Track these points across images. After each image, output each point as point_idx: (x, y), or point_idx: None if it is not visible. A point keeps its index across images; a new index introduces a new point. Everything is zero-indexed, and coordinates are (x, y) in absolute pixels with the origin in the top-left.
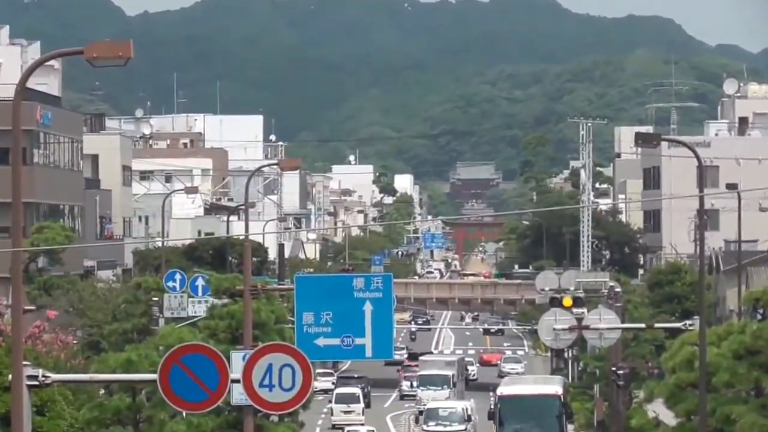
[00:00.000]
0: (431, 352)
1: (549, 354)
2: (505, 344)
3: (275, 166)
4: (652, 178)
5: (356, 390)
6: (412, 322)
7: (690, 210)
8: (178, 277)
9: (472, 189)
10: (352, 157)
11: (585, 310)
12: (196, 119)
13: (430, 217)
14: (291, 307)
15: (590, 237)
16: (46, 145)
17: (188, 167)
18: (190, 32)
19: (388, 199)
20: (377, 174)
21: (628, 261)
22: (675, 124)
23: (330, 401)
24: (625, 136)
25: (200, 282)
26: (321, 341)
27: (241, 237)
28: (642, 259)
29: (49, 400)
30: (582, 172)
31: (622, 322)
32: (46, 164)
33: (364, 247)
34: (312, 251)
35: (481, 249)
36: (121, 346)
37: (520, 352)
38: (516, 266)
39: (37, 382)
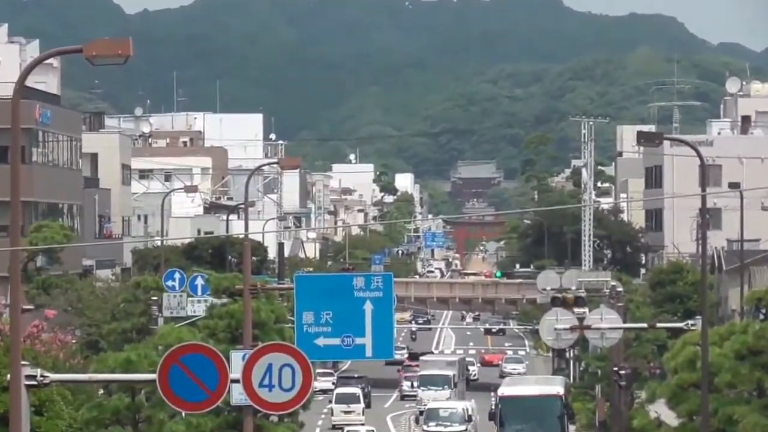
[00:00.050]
0: (432, 352)
1: (550, 354)
2: (506, 344)
3: (275, 165)
4: (654, 177)
5: (356, 390)
6: (413, 322)
7: (692, 209)
8: (177, 276)
9: (473, 188)
10: (352, 156)
11: (586, 309)
12: (195, 118)
13: (430, 216)
14: (291, 307)
15: (592, 236)
16: (45, 144)
17: (188, 166)
18: (190, 30)
19: (389, 198)
20: (378, 173)
21: (630, 260)
22: (677, 122)
23: (330, 401)
24: (627, 134)
25: (199, 281)
26: (321, 341)
27: (241, 236)
28: (644, 258)
29: (48, 400)
30: (583, 171)
31: (624, 321)
32: (45, 163)
33: (365, 247)
34: (312, 250)
35: (482, 248)
36: (120, 346)
37: (522, 352)
38: (517, 265)
39: (35, 382)
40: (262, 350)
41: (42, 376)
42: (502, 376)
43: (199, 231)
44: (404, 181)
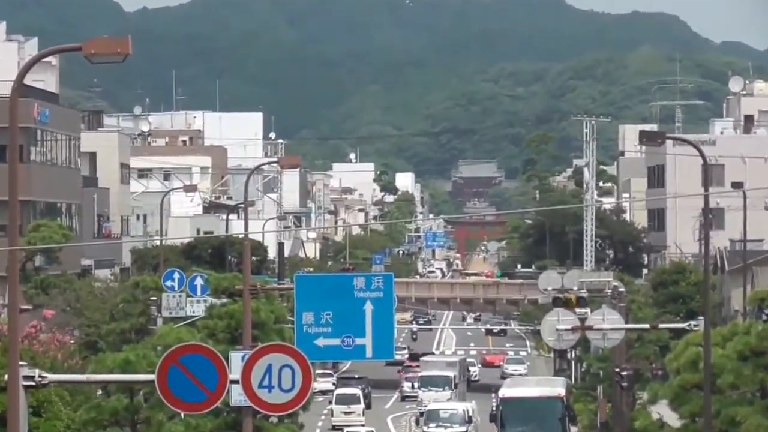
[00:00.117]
0: (432, 353)
1: (552, 355)
2: (507, 345)
3: (275, 164)
4: (656, 177)
5: (357, 391)
6: (414, 322)
7: (695, 209)
8: (176, 276)
9: (474, 187)
10: (352, 155)
11: (588, 310)
12: (195, 116)
13: (431, 216)
14: (291, 307)
15: (594, 236)
16: (44, 143)
17: (187, 165)
18: (189, 29)
19: (389, 198)
20: (378, 172)
21: (632, 260)
22: (680, 122)
23: (330, 402)
24: (629, 134)
25: (199, 281)
26: (321, 341)
27: (241, 236)
28: (646, 258)
29: (46, 401)
30: (585, 170)
31: (626, 322)
32: (44, 162)
33: (365, 246)
34: (312, 250)
35: (483, 248)
36: (118, 346)
37: (523, 353)
38: (518, 266)
39: (33, 383)
40: (262, 351)
41: (40, 376)
42: (504, 377)
43: (198, 231)
44: (405, 181)
